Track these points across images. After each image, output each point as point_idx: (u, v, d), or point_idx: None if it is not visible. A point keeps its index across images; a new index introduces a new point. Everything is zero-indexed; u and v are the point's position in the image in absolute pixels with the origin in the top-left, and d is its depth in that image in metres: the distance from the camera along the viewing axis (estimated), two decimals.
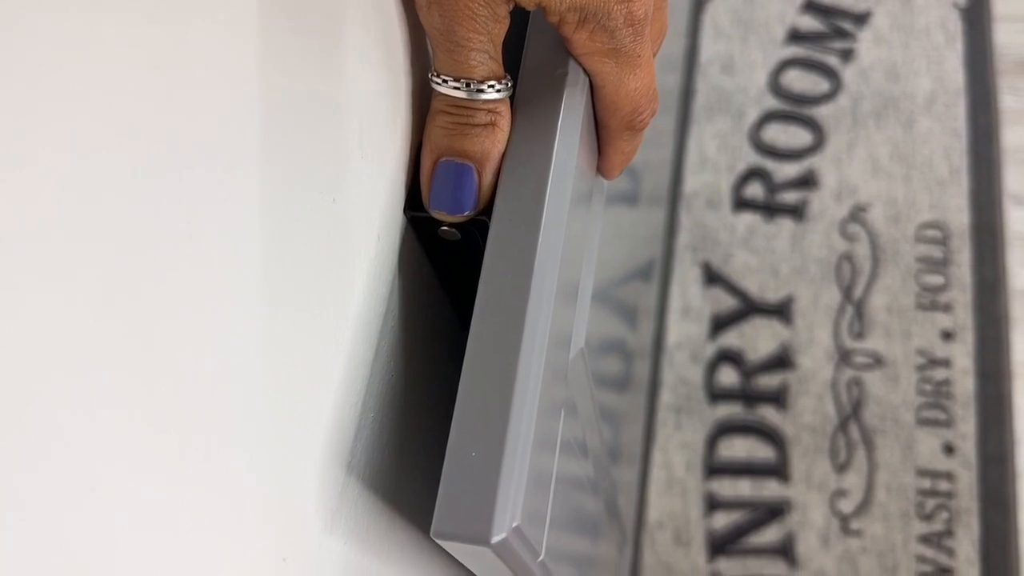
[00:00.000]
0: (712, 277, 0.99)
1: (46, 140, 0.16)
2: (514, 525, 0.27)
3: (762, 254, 1.00)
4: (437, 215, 0.31)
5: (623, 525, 0.81)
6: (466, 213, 0.31)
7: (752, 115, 1.05)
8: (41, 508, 0.17)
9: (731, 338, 0.97)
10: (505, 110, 0.31)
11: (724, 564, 0.90)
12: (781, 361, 0.96)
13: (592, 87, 0.32)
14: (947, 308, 0.97)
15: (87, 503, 0.18)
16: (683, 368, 0.96)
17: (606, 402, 0.57)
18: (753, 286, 0.99)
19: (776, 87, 1.06)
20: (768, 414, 0.94)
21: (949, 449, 0.93)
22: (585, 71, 0.32)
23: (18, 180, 0.15)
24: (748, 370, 0.96)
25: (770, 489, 0.92)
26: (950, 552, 0.89)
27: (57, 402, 0.17)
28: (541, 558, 0.31)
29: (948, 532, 0.90)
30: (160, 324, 0.19)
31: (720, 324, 0.98)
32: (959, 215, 1.00)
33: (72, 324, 0.17)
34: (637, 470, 0.91)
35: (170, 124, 0.19)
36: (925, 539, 0.90)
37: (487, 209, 0.31)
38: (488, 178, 0.31)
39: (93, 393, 0.18)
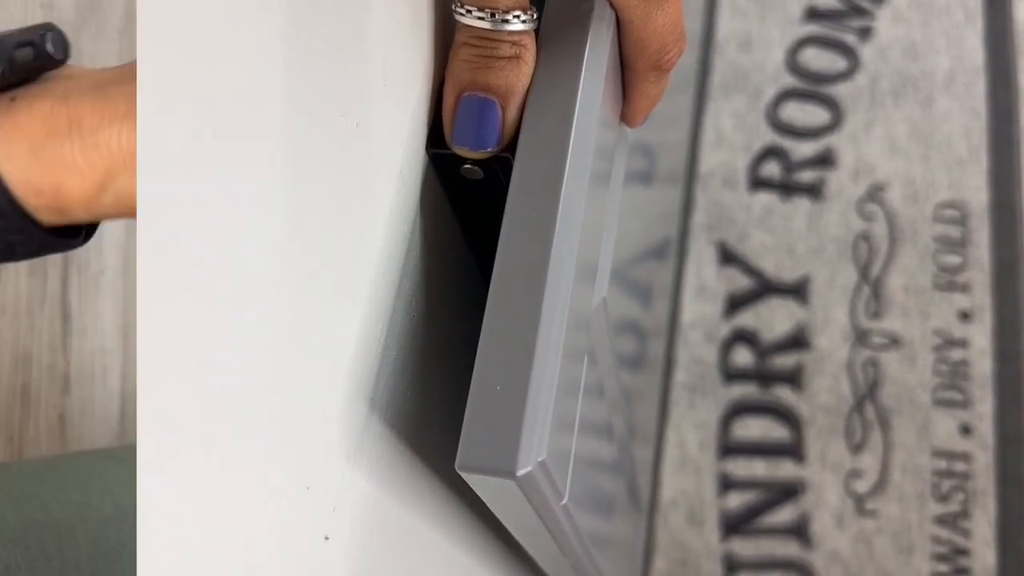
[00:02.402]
0: (728, 256, 0.98)
1: None
2: (540, 459, 0.27)
3: (778, 233, 0.99)
4: (459, 151, 0.31)
5: (640, 504, 0.80)
6: (489, 149, 0.30)
7: (769, 93, 1.04)
8: None
9: (746, 318, 0.96)
10: (530, 43, 0.30)
11: (738, 544, 0.90)
12: (797, 341, 0.95)
13: (618, 23, 0.32)
14: (965, 288, 0.96)
15: None
16: (697, 348, 0.96)
17: (621, 380, 0.57)
18: (769, 266, 0.98)
19: (793, 65, 1.05)
20: (783, 394, 0.94)
21: (966, 430, 0.92)
22: (611, 5, 0.31)
23: None
24: (763, 350, 0.95)
25: (785, 469, 0.92)
26: (966, 533, 0.88)
27: None
28: (564, 501, 0.31)
29: (964, 513, 0.89)
30: (179, 253, 0.19)
31: (735, 304, 0.97)
32: (978, 194, 0.99)
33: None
34: (651, 449, 0.91)
35: (191, 42, 0.19)
36: (941, 520, 0.89)
37: (511, 146, 0.30)
38: (512, 113, 0.30)
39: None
